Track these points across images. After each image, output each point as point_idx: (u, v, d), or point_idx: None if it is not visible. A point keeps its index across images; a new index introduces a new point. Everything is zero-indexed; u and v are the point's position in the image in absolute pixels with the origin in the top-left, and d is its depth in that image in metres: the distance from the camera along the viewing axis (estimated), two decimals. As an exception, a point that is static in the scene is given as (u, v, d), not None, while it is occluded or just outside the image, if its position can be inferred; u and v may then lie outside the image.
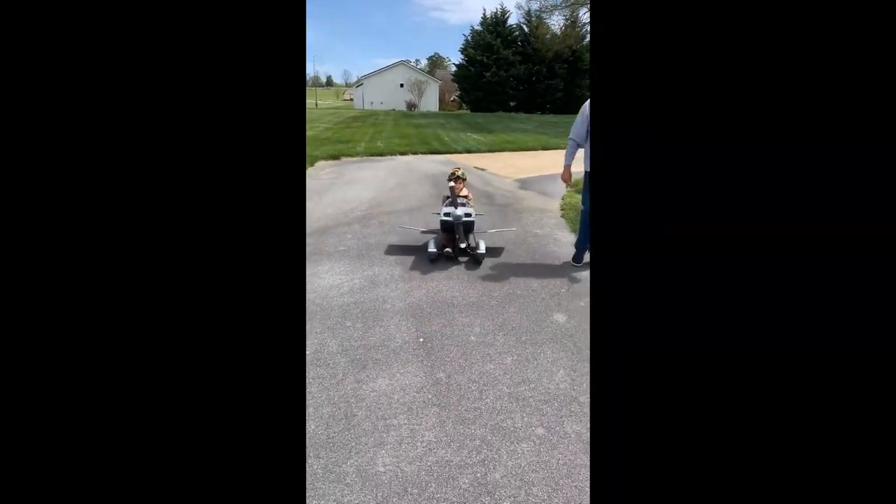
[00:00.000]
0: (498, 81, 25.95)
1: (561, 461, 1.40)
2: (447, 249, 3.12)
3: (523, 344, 2.08)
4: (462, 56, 27.99)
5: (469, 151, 9.33)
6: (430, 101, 35.39)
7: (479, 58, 26.28)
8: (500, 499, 1.27)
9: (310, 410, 1.62)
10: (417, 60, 70.29)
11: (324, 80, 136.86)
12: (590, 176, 2.76)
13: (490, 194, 5.32)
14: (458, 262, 3.06)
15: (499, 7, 28.09)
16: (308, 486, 1.32)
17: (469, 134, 12.38)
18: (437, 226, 3.32)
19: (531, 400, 1.69)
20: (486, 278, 2.84)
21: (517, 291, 2.64)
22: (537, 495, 1.28)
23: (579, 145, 2.84)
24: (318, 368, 1.87)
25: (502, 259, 3.16)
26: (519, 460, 1.41)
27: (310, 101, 52.07)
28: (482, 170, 7.10)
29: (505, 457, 1.42)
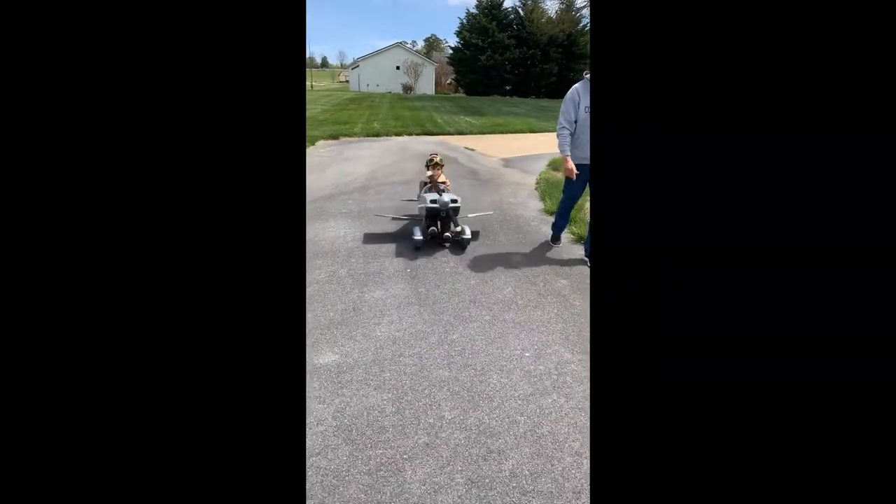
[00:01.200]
0: (493, 65, 26.25)
1: (498, 332, 2.11)
2: (432, 231, 3.10)
3: (485, 271, 2.77)
4: (458, 39, 28.17)
5: (461, 133, 9.92)
6: (426, 84, 35.54)
7: (474, 41, 26.50)
8: (453, 345, 1.98)
9: (328, 307, 2.31)
10: (414, 42, 69.77)
11: (319, 61, 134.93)
12: (583, 172, 2.83)
13: (476, 171, 5.96)
14: (443, 246, 3.16)
15: (495, -11, 28.10)
16: (330, 341, 2.01)
17: (462, 117, 12.95)
18: (407, 212, 3.53)
19: (484, 302, 2.39)
20: (478, 182, 3.52)
21: (486, 240, 3.33)
22: (477, 344, 1.99)
23: (572, 133, 2.79)
24: (332, 285, 2.56)
25: (488, 204, 3.84)
26: (469, 331, 2.11)
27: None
28: (471, 150, 7.72)
29: (460, 329, 2.12)
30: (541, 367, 1.86)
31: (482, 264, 2.90)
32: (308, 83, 51.99)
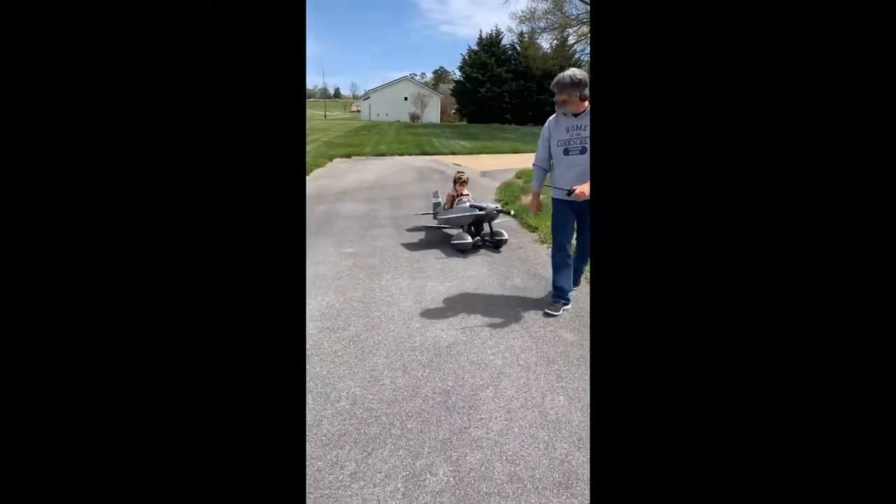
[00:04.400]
0: (492, 96, 28.56)
1: (455, 255, 3.76)
2: (477, 238, 3.54)
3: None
4: (460, 73, 30.71)
5: (453, 153, 11.79)
6: (432, 113, 38.14)
7: (475, 75, 28.96)
8: (414, 250, 3.63)
9: (343, 245, 3.98)
10: (423, 74, 73.74)
11: (332, 92, 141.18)
12: (559, 201, 2.46)
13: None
14: (484, 245, 3.66)
15: (493, 28, 30.81)
16: (344, 243, 3.68)
17: (458, 141, 14.89)
18: (417, 223, 4.29)
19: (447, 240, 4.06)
20: (429, 199, 5.22)
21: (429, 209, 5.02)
22: (431, 255, 3.64)
23: (545, 170, 2.59)
24: (348, 234, 4.25)
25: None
26: (436, 251, 3.77)
27: (319, 112, 55.33)
28: (458, 165, 9.52)
29: (425, 245, 3.78)
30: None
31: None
32: (322, 112, 55.44)
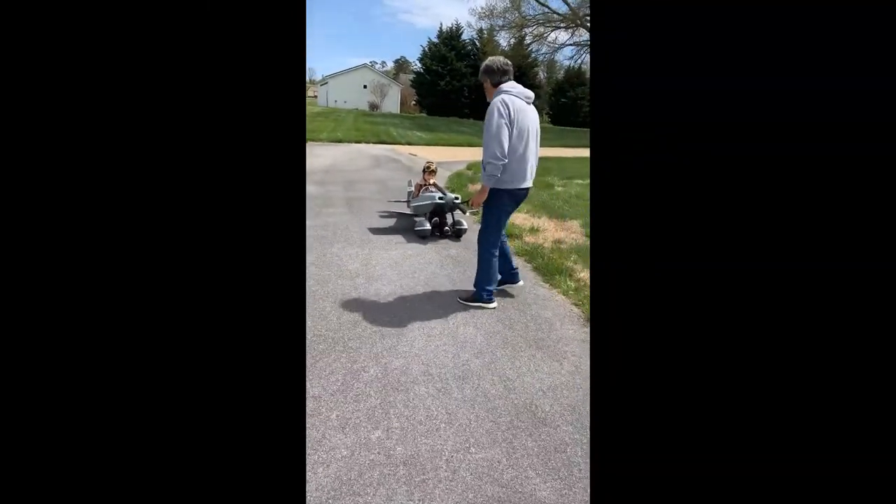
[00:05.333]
0: (451, 90, 29.00)
1: (408, 234, 4.20)
2: (436, 220, 3.76)
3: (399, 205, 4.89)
4: (420, 65, 30.85)
5: (410, 144, 12.16)
6: (391, 103, 37.93)
7: (434, 68, 29.23)
8: (364, 226, 4.04)
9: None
10: (384, 62, 72.69)
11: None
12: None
13: (411, 167, 8.14)
14: (445, 235, 3.85)
15: (454, 23, 31.17)
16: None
17: (415, 132, 15.24)
18: (392, 209, 4.55)
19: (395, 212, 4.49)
20: (409, 174, 5.63)
21: (402, 197, 5.46)
22: (379, 230, 4.07)
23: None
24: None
25: (399, 184, 5.95)
26: (386, 227, 4.19)
27: (274, 96, 53.29)
28: (413, 155, 9.93)
29: (376, 222, 4.20)
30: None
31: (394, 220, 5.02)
32: (277, 96, 53.38)
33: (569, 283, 2.86)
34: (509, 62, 2.32)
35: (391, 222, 4.24)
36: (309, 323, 2.19)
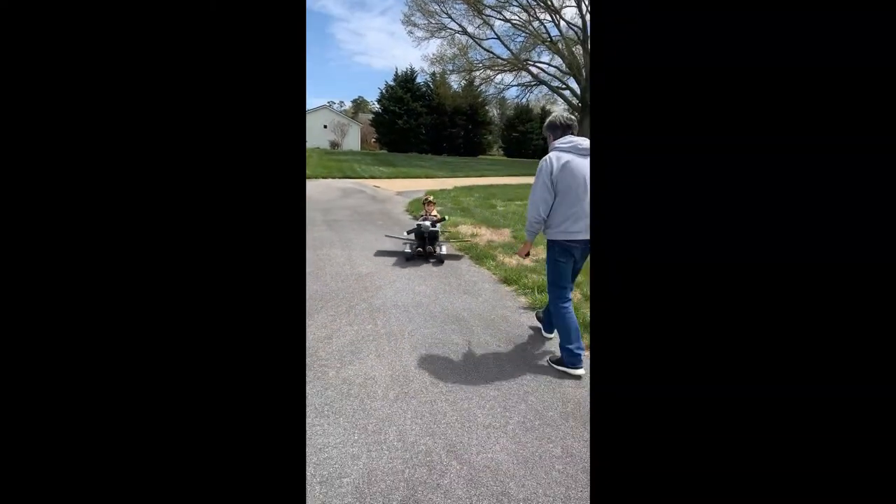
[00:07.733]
0: (409, 128, 30.98)
1: (380, 237, 5.39)
2: (419, 250, 4.20)
3: (389, 218, 6.08)
4: (378, 106, 32.84)
5: (373, 178, 13.50)
6: (352, 141, 39.51)
7: (392, 108, 31.22)
8: (346, 239, 5.22)
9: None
10: (342, 102, 75.03)
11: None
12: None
13: (376, 196, 9.42)
14: (427, 260, 4.25)
15: (408, 67, 33.63)
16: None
17: (377, 167, 16.65)
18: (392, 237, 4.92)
19: (390, 213, 5.68)
20: (375, 202, 6.83)
21: (370, 225, 6.67)
22: (359, 241, 5.25)
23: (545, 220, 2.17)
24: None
25: (374, 210, 7.16)
26: (363, 240, 5.37)
27: (234, 137, 53.64)
28: (377, 187, 11.24)
29: (353, 236, 5.38)
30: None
31: (386, 218, 6.21)
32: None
33: (492, 263, 4.16)
34: (572, 117, 2.28)
35: (367, 235, 5.44)
36: (318, 285, 3.34)
